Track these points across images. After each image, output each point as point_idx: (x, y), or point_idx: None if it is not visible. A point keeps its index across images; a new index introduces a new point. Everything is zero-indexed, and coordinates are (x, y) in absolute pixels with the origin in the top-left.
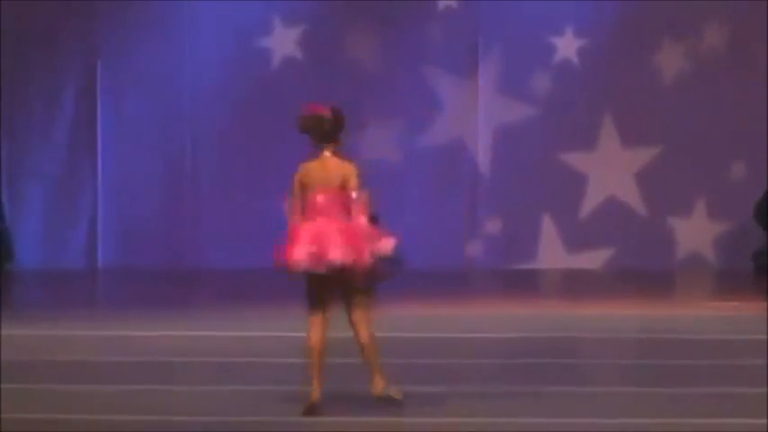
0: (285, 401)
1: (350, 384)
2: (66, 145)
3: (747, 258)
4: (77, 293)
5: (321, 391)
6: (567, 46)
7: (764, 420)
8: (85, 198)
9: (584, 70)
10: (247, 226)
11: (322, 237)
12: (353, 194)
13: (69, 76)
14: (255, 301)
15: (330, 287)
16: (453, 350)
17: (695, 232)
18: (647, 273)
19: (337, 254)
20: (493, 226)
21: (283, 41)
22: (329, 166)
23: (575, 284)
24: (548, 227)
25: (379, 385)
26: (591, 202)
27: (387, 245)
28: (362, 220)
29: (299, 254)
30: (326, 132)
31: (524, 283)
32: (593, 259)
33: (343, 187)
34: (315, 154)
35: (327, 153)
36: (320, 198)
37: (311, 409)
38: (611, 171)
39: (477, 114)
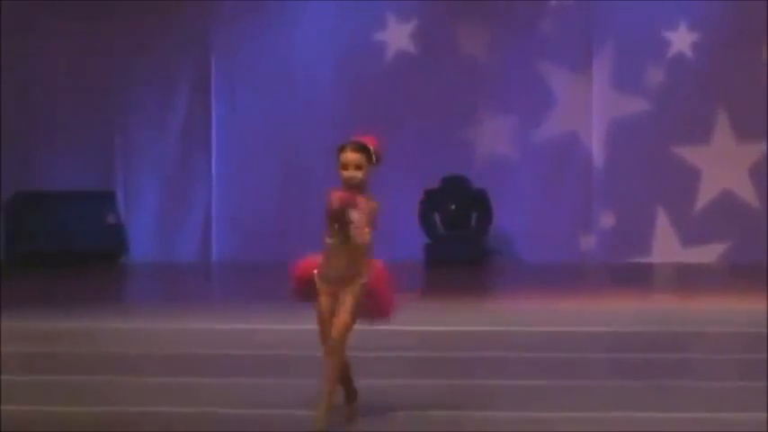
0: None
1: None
2: (180, 140)
3: None
4: (191, 287)
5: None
6: (681, 40)
7: None
8: (200, 192)
9: (698, 64)
10: None
11: None
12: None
13: (183, 72)
14: None
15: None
16: (566, 344)
17: None
18: (761, 267)
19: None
20: (607, 220)
21: (397, 36)
22: None
23: (689, 278)
24: (662, 221)
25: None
26: (705, 196)
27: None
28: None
29: None
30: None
31: (638, 277)
32: (707, 253)
33: None
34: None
35: None
36: None
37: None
38: (724, 165)
39: (591, 109)
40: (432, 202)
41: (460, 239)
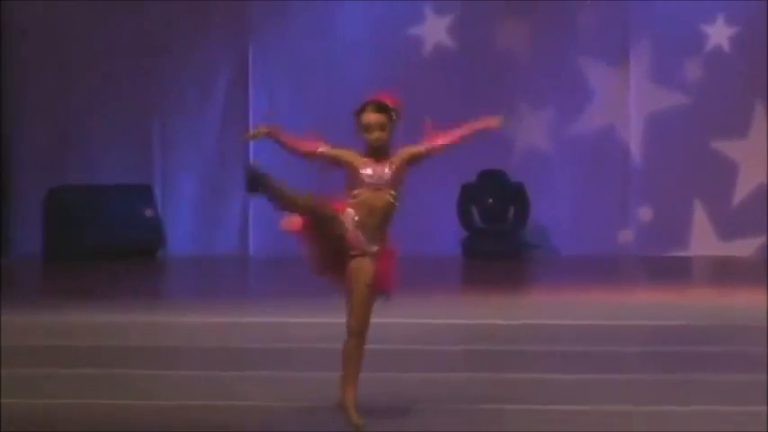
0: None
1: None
2: (218, 134)
3: None
4: (228, 281)
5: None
6: (719, 34)
7: None
8: (237, 186)
9: (735, 58)
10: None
11: None
12: None
13: (221, 65)
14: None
15: None
16: (603, 337)
17: None
18: None
19: None
20: (644, 213)
21: (435, 30)
22: None
23: (726, 272)
24: (699, 214)
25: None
26: (742, 189)
27: None
28: None
29: None
30: None
31: (676, 271)
32: (744, 247)
33: None
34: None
35: None
36: None
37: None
38: (762, 159)
39: (628, 102)
40: (469, 196)
41: (498, 233)
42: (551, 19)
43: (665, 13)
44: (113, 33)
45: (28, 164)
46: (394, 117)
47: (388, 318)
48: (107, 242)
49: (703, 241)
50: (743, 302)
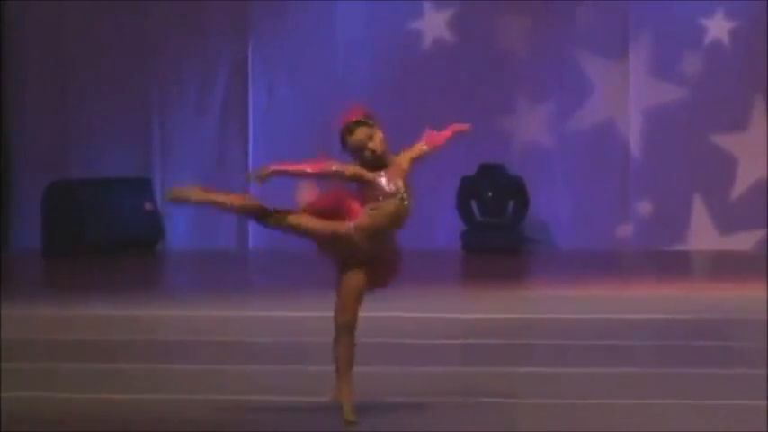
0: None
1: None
2: (217, 128)
3: None
4: (228, 274)
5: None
6: (718, 27)
7: None
8: (236, 180)
9: (734, 52)
10: None
11: None
12: None
13: (221, 60)
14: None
15: None
16: (603, 331)
17: None
18: None
19: None
20: (644, 207)
21: (434, 24)
22: None
23: (725, 266)
24: (698, 208)
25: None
26: (742, 183)
27: None
28: None
29: None
30: None
31: (675, 265)
32: (743, 241)
33: None
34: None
35: None
36: None
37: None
38: (761, 153)
39: (627, 96)
40: (469, 189)
41: (497, 227)
42: (551, 13)
43: (664, 7)
44: (113, 33)
45: (28, 159)
46: (373, 123)
47: (386, 312)
48: (107, 236)
49: (703, 235)
50: (742, 296)
